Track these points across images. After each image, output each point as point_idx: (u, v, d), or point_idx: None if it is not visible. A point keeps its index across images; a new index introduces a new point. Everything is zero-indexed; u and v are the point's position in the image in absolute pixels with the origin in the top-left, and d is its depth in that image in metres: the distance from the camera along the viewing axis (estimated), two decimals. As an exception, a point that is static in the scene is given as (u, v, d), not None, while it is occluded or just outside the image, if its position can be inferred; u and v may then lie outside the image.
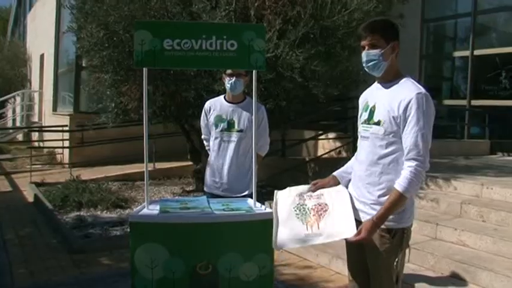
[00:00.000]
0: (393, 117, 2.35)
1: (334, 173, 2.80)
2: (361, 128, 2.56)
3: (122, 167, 9.50)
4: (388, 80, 2.46)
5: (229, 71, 3.56)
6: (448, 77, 10.98)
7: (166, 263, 2.85)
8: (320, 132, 9.48)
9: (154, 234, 2.87)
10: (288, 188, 2.79)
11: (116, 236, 5.55)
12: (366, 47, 2.42)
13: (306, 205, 2.65)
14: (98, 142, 10.15)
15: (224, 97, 3.75)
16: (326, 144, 10.23)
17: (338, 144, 9.89)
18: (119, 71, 6.54)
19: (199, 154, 7.81)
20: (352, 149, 8.63)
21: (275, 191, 2.76)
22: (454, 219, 4.76)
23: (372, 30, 2.42)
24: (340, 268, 4.63)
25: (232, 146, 3.66)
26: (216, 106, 3.72)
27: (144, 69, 3.03)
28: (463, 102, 9.73)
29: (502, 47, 9.28)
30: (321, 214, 2.59)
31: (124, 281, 4.11)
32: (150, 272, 2.85)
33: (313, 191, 2.71)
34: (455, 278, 3.87)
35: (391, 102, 2.37)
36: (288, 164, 8.63)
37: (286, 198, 2.75)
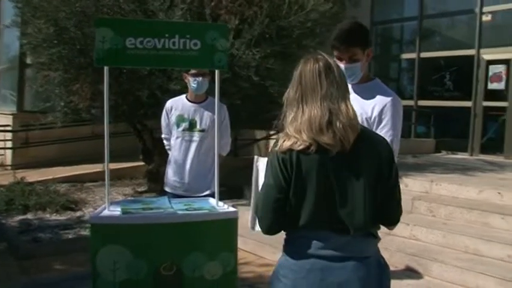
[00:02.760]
0: (366, 118, 2.36)
1: None
2: None
3: (70, 168, 9.19)
4: (358, 83, 2.43)
5: (193, 71, 3.55)
6: (396, 78, 11.37)
7: (130, 265, 2.79)
8: (272, 132, 9.57)
9: (116, 235, 2.81)
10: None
11: (68, 239, 5.37)
12: (344, 61, 2.35)
13: None
14: (43, 142, 9.76)
15: (186, 96, 3.73)
16: (278, 144, 10.31)
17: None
18: (69, 69, 6.33)
19: (152, 154, 7.70)
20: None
21: (255, 157, 2.53)
22: (406, 215, 4.90)
23: (351, 43, 2.35)
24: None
25: (194, 145, 3.65)
26: (177, 105, 3.69)
27: (105, 68, 2.95)
28: (411, 102, 10.09)
29: (446, 50, 9.71)
30: None
31: (80, 285, 4.00)
32: (112, 274, 2.78)
33: None
34: (409, 270, 4.04)
35: (363, 105, 2.37)
36: (241, 163, 8.65)
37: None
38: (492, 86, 8.88)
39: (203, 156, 3.69)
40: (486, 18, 9.03)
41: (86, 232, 5.61)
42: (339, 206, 1.71)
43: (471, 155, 9.05)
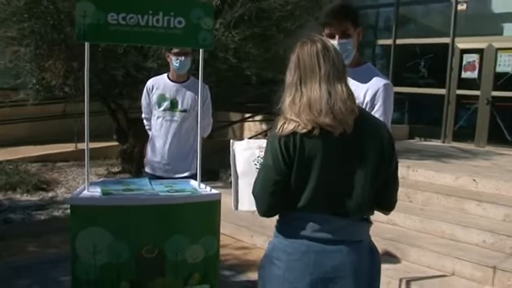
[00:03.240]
0: (358, 103, 2.31)
1: None
2: None
3: (41, 147, 8.93)
4: (350, 66, 2.34)
5: (176, 50, 3.45)
6: (372, 64, 11.38)
7: (110, 248, 2.73)
8: (249, 114, 9.54)
9: (97, 217, 2.74)
10: (246, 140, 2.48)
11: (40, 220, 5.24)
12: (337, 36, 2.30)
13: None
14: (13, 120, 9.45)
15: (167, 76, 3.63)
16: (253, 127, 10.30)
17: (264, 126, 10.00)
18: (41, 45, 6.10)
19: (126, 134, 7.55)
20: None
21: (231, 141, 2.43)
22: (383, 200, 5.00)
23: (343, 17, 2.31)
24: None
25: (174, 125, 3.57)
26: (159, 85, 3.59)
27: (86, 44, 2.84)
28: (385, 88, 10.14)
29: (421, 38, 9.75)
30: None
31: (54, 268, 3.91)
32: (92, 257, 2.71)
33: None
34: (387, 255, 4.08)
35: (356, 89, 2.22)
36: (216, 145, 8.57)
37: (244, 150, 2.40)
38: (466, 74, 8.98)
39: (184, 137, 3.62)
40: (461, 7, 9.11)
41: (59, 213, 5.49)
42: (341, 189, 1.71)
43: (444, 142, 9.19)
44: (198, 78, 3.14)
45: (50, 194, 6.25)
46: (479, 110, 8.84)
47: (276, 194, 1.74)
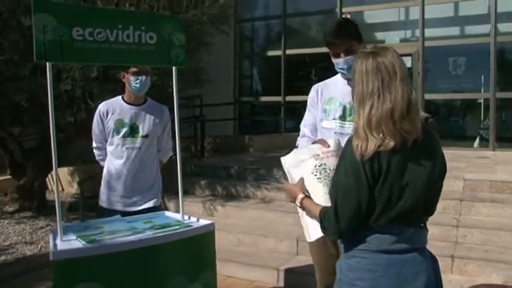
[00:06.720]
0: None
1: None
2: (337, 124, 2.52)
3: None
4: None
5: (134, 69, 3.07)
6: (263, 75, 11.57)
7: (107, 303, 2.31)
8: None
9: (88, 271, 2.30)
10: (293, 152, 2.18)
11: None
12: (342, 54, 2.40)
13: (325, 164, 2.04)
14: None
15: (122, 98, 3.22)
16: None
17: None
18: None
19: (23, 167, 6.65)
20: (196, 148, 8.31)
21: (281, 159, 2.16)
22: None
23: (347, 35, 2.41)
24: (231, 271, 4.51)
25: (136, 153, 3.18)
26: (114, 109, 3.16)
27: (48, 64, 2.38)
28: (279, 98, 10.35)
29: (310, 48, 10.14)
30: None
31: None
32: (85, 318, 2.27)
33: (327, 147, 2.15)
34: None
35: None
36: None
37: (295, 167, 2.12)
38: (353, 80, 9.58)
39: (148, 165, 3.24)
40: (346, 17, 9.68)
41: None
42: (415, 200, 1.67)
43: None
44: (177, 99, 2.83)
45: None
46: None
47: (359, 215, 1.67)
